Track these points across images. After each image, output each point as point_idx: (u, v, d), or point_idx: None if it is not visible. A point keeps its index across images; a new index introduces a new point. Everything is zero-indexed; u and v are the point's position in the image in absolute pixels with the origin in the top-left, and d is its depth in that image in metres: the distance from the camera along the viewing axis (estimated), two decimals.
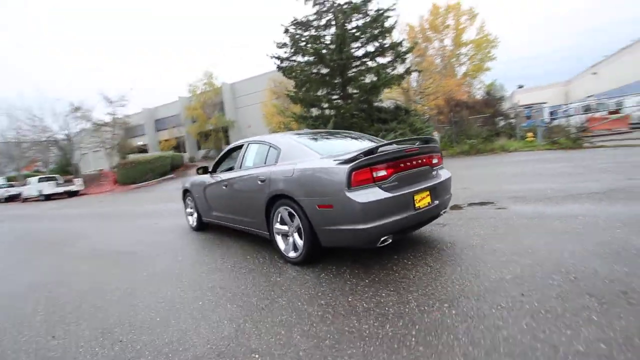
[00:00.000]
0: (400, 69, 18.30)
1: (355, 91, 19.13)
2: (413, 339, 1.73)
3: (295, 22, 18.87)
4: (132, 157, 26.80)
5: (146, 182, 22.47)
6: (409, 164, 2.89)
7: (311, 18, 19.08)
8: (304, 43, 18.67)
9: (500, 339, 1.65)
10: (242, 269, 3.19)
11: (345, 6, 17.98)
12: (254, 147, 3.90)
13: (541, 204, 4.22)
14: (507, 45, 73.64)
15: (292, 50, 19.02)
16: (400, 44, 18.27)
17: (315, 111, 19.40)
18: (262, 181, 3.35)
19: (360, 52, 18.75)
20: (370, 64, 18.83)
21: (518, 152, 11.89)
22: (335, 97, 18.69)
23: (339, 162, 2.70)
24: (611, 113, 14.34)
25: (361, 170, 2.60)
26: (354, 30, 18.07)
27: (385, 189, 2.66)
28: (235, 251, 3.81)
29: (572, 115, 16.49)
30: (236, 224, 4.05)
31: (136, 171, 23.04)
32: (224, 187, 4.10)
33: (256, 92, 30.18)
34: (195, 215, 5.15)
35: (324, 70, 18.68)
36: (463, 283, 2.30)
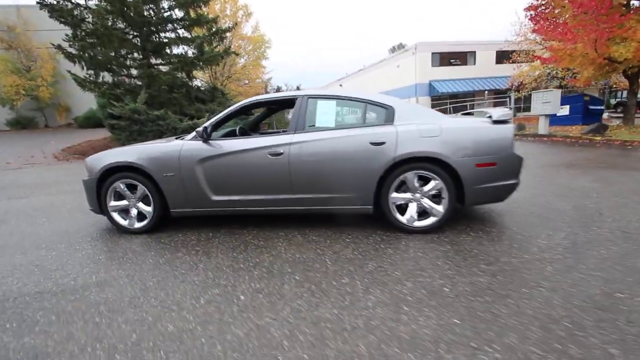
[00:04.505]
0: (218, 48, 17.17)
1: (159, 61, 16.28)
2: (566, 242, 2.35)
3: None
4: None
5: None
6: None
7: None
8: None
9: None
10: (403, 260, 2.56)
11: None
12: (327, 104, 3.00)
13: None
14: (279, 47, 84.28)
15: None
16: (215, 20, 17.15)
17: (108, 76, 14.88)
18: (379, 144, 2.74)
19: (170, 16, 15.98)
20: (181, 32, 16.49)
21: None
22: (132, 62, 14.92)
23: (491, 122, 2.81)
24: None
25: None
26: None
27: None
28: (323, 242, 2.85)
29: None
30: (289, 205, 2.96)
31: None
32: (270, 157, 2.87)
33: None
34: (149, 208, 3.15)
35: (121, 25, 14.60)
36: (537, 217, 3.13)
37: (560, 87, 19.81)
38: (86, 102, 19.48)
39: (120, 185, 3.15)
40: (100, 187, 3.17)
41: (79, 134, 17.22)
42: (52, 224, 3.73)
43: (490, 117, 2.86)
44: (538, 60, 15.03)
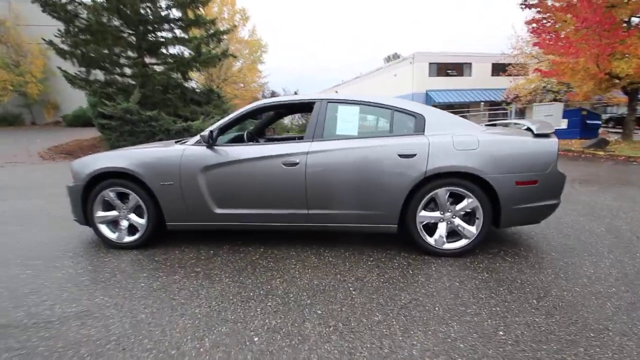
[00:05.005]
0: (216, 49, 16.84)
1: (154, 60, 15.86)
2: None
3: None
4: None
5: None
6: None
7: None
8: None
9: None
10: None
11: None
12: (349, 110, 2.70)
13: None
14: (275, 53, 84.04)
15: None
16: (213, 21, 16.87)
17: (101, 74, 14.41)
18: (409, 156, 2.44)
19: (167, 16, 15.62)
20: (178, 32, 16.13)
21: None
22: (125, 61, 14.45)
23: (532, 135, 2.53)
24: None
25: None
26: None
27: None
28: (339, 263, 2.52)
29: None
30: (303, 222, 2.63)
31: None
32: (284, 167, 2.54)
33: None
34: (142, 220, 2.78)
35: (117, 22, 14.17)
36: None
37: (555, 100, 19.96)
38: (76, 100, 18.84)
39: (110, 194, 2.77)
40: (87, 195, 2.79)
41: (66, 133, 16.59)
42: (29, 234, 3.31)
43: (529, 129, 2.59)
44: (537, 73, 15.04)
